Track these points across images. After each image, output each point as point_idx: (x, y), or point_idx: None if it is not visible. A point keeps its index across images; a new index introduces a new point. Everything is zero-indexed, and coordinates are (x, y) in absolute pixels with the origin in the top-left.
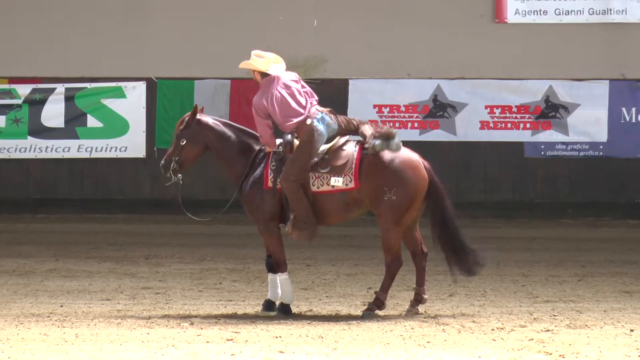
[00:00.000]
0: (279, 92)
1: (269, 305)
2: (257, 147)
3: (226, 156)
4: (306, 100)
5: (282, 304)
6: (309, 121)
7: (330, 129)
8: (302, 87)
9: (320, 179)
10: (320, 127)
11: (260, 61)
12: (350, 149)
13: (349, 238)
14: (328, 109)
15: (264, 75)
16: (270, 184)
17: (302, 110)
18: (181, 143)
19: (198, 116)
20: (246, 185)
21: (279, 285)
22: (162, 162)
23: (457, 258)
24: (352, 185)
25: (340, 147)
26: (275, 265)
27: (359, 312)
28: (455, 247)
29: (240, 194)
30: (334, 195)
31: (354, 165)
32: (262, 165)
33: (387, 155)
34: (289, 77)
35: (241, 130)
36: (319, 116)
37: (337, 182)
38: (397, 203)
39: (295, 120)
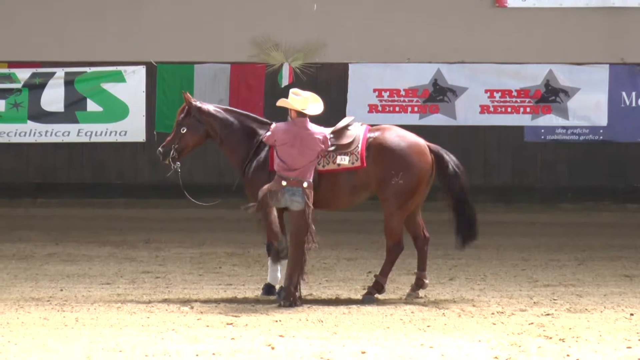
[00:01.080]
0: (289, 147)
1: (268, 289)
2: (261, 132)
3: (230, 142)
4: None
5: (281, 287)
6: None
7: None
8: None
9: (326, 157)
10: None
11: (297, 100)
12: (356, 129)
13: (349, 222)
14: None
15: (301, 114)
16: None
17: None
18: (181, 131)
19: (199, 104)
20: (249, 169)
21: (279, 270)
22: (161, 149)
23: (466, 226)
24: (358, 164)
25: (346, 127)
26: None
27: (359, 296)
28: (467, 217)
29: (243, 177)
30: (339, 175)
31: (360, 145)
32: (267, 148)
33: (394, 139)
34: (318, 134)
35: (244, 115)
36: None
37: (343, 160)
38: (403, 188)
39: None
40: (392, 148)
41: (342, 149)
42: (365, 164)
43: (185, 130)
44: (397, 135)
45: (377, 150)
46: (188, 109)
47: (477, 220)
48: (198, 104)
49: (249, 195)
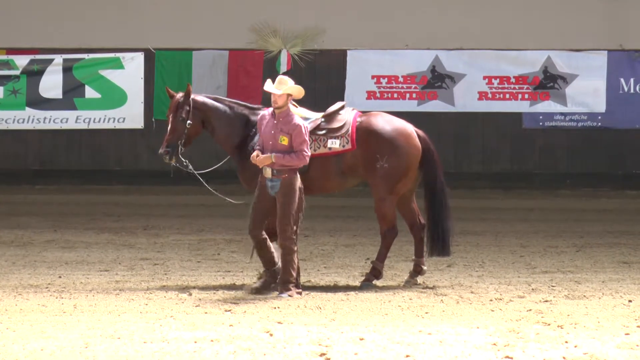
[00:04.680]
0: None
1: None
2: (253, 118)
3: (222, 130)
4: None
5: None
6: None
7: None
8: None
9: (317, 141)
10: None
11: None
12: (347, 113)
13: (347, 209)
14: None
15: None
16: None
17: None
18: (187, 125)
19: (192, 96)
20: (243, 155)
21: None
22: (166, 148)
23: (433, 235)
24: (349, 146)
25: (337, 112)
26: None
27: (357, 283)
28: (436, 224)
29: (238, 163)
30: (329, 159)
31: (350, 128)
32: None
33: (381, 123)
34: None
35: (235, 103)
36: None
37: (334, 144)
38: (390, 171)
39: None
40: (378, 131)
41: (333, 133)
42: (355, 146)
43: (190, 124)
44: (384, 120)
45: (365, 133)
46: (189, 102)
47: (450, 234)
48: (199, 97)
49: (243, 182)
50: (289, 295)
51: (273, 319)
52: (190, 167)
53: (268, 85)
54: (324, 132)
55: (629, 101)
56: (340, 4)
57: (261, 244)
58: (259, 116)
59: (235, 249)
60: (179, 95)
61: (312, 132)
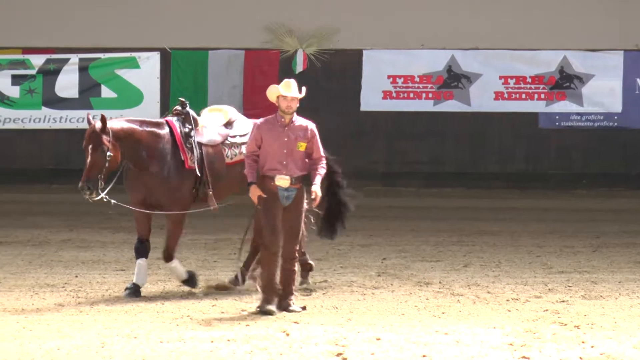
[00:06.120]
0: None
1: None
2: (163, 133)
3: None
4: None
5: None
6: None
7: None
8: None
9: (233, 148)
10: None
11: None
12: (241, 116)
13: (362, 209)
14: None
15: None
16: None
17: None
18: (106, 157)
19: (108, 124)
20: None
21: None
22: (85, 183)
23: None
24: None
25: (236, 118)
26: (173, 252)
27: (374, 283)
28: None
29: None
30: (242, 165)
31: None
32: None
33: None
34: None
35: (142, 121)
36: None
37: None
38: None
39: None
40: None
41: (245, 139)
42: None
43: (108, 153)
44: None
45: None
46: (99, 132)
47: (340, 218)
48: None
49: (171, 203)
50: (302, 308)
51: (289, 319)
52: (113, 201)
53: (290, 90)
54: (236, 138)
55: None
56: (356, 4)
57: (275, 262)
58: (255, 125)
59: (247, 249)
60: (92, 126)
61: (227, 139)
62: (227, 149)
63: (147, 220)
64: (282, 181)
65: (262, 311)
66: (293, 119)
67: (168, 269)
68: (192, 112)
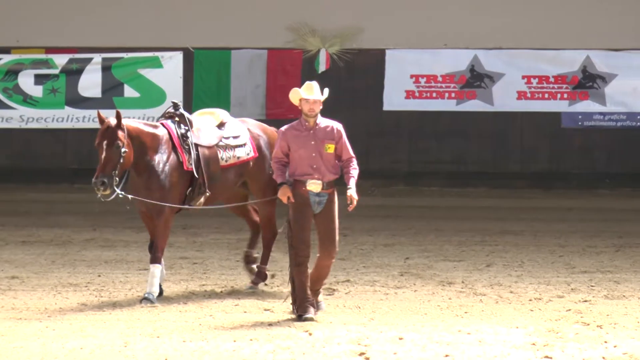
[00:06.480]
0: None
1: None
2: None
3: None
4: None
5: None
6: None
7: None
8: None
9: (227, 150)
10: None
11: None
12: (236, 120)
13: (385, 208)
14: None
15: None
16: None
17: None
18: (121, 153)
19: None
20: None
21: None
22: (100, 179)
23: None
24: (252, 155)
25: (227, 121)
26: (161, 253)
27: (396, 283)
28: None
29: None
30: (235, 168)
31: (248, 135)
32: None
33: (261, 128)
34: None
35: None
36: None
37: (241, 152)
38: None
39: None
40: (268, 137)
41: (239, 142)
42: (257, 154)
43: (126, 152)
44: (257, 126)
45: (258, 140)
46: (114, 128)
47: None
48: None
49: (163, 202)
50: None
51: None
52: (130, 196)
53: (312, 92)
54: (229, 141)
55: None
56: (379, 4)
57: (305, 273)
58: (280, 132)
59: (274, 249)
60: (107, 122)
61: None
62: (221, 151)
63: (152, 222)
64: (314, 186)
65: (303, 319)
66: (318, 121)
67: (149, 271)
68: (186, 114)
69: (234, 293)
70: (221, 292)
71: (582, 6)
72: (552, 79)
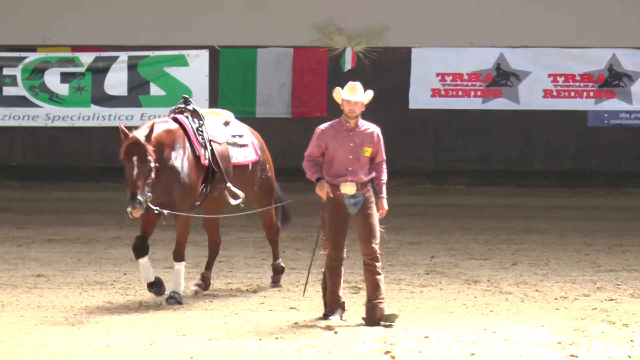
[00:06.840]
0: None
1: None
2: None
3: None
4: None
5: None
6: None
7: None
8: None
9: (235, 148)
10: None
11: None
12: (239, 122)
13: (411, 206)
14: None
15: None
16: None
17: None
18: (151, 168)
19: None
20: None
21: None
22: (138, 198)
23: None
24: (254, 157)
25: (231, 121)
26: (183, 251)
27: (422, 281)
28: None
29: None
30: (241, 168)
31: (250, 137)
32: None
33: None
34: None
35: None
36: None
37: (246, 152)
38: (270, 179)
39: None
40: (261, 141)
41: (243, 141)
42: (259, 157)
43: (156, 166)
44: (248, 129)
45: (258, 142)
46: (144, 143)
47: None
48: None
49: (181, 200)
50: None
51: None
52: (165, 211)
53: (354, 93)
54: (237, 139)
55: None
56: (405, 2)
57: (338, 276)
58: (319, 131)
59: (300, 247)
60: (133, 136)
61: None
62: (231, 148)
63: (155, 218)
64: (348, 188)
65: (328, 319)
66: (359, 123)
67: (174, 269)
68: (198, 108)
69: (259, 291)
70: (247, 290)
71: (608, 4)
72: (578, 77)
